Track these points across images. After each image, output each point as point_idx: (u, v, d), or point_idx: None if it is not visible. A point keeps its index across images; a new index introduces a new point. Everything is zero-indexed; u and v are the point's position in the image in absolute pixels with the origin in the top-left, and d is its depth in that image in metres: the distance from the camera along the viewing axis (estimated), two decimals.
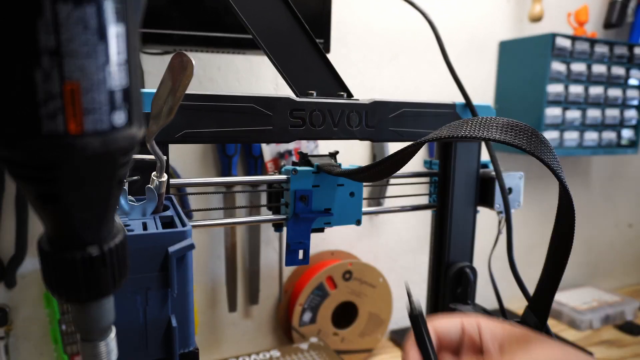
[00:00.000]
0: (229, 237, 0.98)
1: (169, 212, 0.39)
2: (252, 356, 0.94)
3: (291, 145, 0.96)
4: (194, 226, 0.52)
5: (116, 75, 0.18)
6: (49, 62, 0.16)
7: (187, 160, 0.93)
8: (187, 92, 0.47)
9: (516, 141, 0.34)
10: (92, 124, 0.17)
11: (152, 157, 0.40)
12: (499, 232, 0.66)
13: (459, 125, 0.37)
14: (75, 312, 0.23)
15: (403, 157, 0.43)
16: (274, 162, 0.96)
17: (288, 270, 1.07)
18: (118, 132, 0.19)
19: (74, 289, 0.21)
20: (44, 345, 0.89)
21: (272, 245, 1.04)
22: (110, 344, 0.25)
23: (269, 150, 0.95)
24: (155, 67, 0.86)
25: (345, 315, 1.07)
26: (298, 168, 0.55)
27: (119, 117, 0.18)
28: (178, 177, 0.91)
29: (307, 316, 1.02)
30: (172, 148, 0.91)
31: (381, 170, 0.45)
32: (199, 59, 0.91)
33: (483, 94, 1.24)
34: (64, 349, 0.84)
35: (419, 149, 0.42)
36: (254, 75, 0.96)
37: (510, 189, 0.66)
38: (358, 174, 0.48)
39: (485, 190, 0.66)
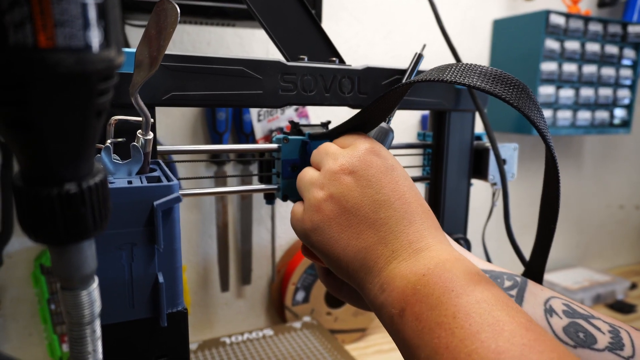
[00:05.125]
0: (220, 216, 0.97)
1: (155, 173, 0.37)
2: (245, 335, 0.93)
3: (283, 122, 0.95)
4: (182, 195, 0.51)
5: None
6: None
7: (176, 137, 0.92)
8: (176, 53, 0.45)
9: (496, 90, 0.32)
10: (65, 39, 0.16)
11: (138, 118, 0.39)
12: (493, 204, 0.66)
13: (442, 70, 0.35)
14: (54, 257, 0.22)
15: (387, 104, 0.42)
16: (266, 139, 0.94)
17: (281, 250, 1.06)
18: (94, 52, 0.17)
19: (51, 229, 0.20)
20: (33, 326, 0.87)
21: (264, 224, 1.03)
22: (92, 294, 0.24)
23: (260, 128, 0.94)
24: None
25: None
26: (289, 137, 0.53)
27: (95, 35, 0.17)
28: None
29: (300, 295, 1.01)
30: (161, 124, 0.90)
31: (369, 119, 0.44)
32: (187, 34, 0.89)
33: None
34: (54, 329, 0.83)
35: (405, 92, 0.41)
36: (245, 50, 0.94)
37: (504, 160, 0.65)
38: (349, 126, 0.47)
39: (479, 161, 0.65)
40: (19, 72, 0.16)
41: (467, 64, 0.34)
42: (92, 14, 0.17)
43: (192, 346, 0.88)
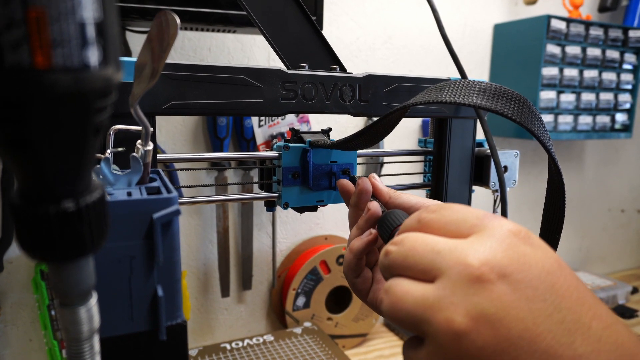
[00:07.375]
0: (221, 221, 0.97)
1: (155, 184, 0.37)
2: (245, 341, 0.93)
3: (284, 128, 0.95)
4: (183, 203, 0.51)
5: (88, 5, 0.16)
6: None
7: (177, 143, 0.92)
8: (176, 62, 0.45)
9: (497, 106, 0.32)
10: (62, 59, 0.16)
11: (137, 127, 0.38)
12: (494, 212, 0.65)
13: (440, 89, 0.35)
14: (52, 274, 0.22)
15: (389, 122, 0.42)
16: (267, 145, 0.94)
17: (281, 255, 1.06)
18: (92, 71, 0.17)
19: (48, 248, 0.20)
20: (33, 331, 0.87)
21: (265, 229, 1.03)
22: (91, 310, 0.24)
23: (261, 133, 0.94)
24: None
25: (339, 299, 1.07)
26: (290, 144, 0.53)
27: (92, 54, 0.17)
28: None
29: (301, 301, 1.01)
30: (162, 130, 0.90)
31: (371, 136, 0.45)
32: (188, 39, 0.89)
33: (477, 77, 1.23)
34: (54, 335, 0.83)
35: (404, 113, 0.41)
36: (246, 56, 0.94)
37: (505, 167, 0.65)
38: (350, 142, 0.47)
39: (481, 168, 0.65)
40: (16, 93, 0.16)
41: (463, 81, 0.33)
42: (91, 32, 0.17)
43: (192, 352, 0.88)
